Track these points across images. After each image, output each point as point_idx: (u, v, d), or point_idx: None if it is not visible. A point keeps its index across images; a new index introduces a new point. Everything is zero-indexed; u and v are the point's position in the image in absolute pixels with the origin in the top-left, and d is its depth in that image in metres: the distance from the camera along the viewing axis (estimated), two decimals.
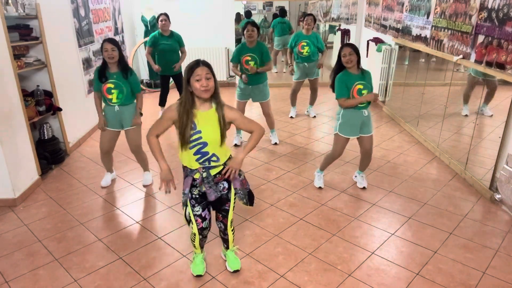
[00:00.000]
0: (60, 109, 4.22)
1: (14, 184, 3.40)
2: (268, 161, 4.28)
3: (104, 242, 2.91)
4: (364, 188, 3.63)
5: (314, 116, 5.77)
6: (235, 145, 4.69)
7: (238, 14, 9.71)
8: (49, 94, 4.13)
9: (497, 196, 3.33)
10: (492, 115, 4.01)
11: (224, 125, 2.21)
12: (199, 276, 2.52)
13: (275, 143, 4.73)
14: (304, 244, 2.85)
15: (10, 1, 3.50)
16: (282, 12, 8.89)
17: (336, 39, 8.81)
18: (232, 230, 2.52)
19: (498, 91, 3.87)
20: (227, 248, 2.61)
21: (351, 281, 2.49)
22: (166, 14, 5.17)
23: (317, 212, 3.27)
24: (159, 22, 5.11)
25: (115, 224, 3.15)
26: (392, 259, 2.69)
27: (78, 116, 4.76)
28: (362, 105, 3.26)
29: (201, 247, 2.53)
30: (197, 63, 2.12)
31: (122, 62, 3.35)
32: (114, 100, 3.37)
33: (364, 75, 3.27)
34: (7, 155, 3.31)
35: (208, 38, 7.31)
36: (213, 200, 2.32)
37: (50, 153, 4.08)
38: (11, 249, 2.84)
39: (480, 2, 3.51)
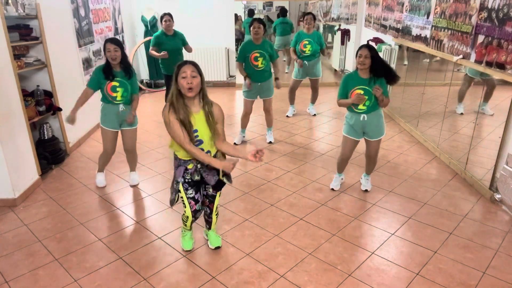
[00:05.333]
0: (60, 109, 4.22)
1: (14, 184, 3.40)
2: (268, 161, 4.28)
3: (104, 242, 2.91)
4: (366, 191, 3.62)
5: (315, 115, 5.78)
6: (235, 143, 4.70)
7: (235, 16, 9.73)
8: (49, 94, 4.13)
9: (497, 196, 3.33)
10: (493, 114, 4.00)
11: (213, 121, 2.39)
12: (188, 251, 2.75)
13: (270, 142, 4.74)
14: (304, 244, 2.85)
15: (10, 1, 3.49)
16: (283, 11, 8.87)
17: (336, 39, 8.81)
18: (216, 214, 2.74)
19: (498, 91, 3.87)
20: (209, 228, 2.83)
21: (351, 281, 2.49)
22: (170, 14, 5.16)
23: (317, 212, 3.27)
24: (163, 23, 5.09)
25: (115, 224, 3.15)
26: (392, 259, 2.69)
27: (78, 116, 4.75)
28: (360, 110, 3.22)
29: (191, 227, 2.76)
30: (185, 62, 2.31)
31: (124, 62, 3.37)
32: (119, 98, 3.39)
33: (372, 82, 3.14)
34: (7, 155, 3.31)
35: (208, 38, 7.31)
36: (213, 184, 2.51)
37: (50, 153, 4.07)
38: (11, 249, 2.84)
39: (480, 2, 3.51)
